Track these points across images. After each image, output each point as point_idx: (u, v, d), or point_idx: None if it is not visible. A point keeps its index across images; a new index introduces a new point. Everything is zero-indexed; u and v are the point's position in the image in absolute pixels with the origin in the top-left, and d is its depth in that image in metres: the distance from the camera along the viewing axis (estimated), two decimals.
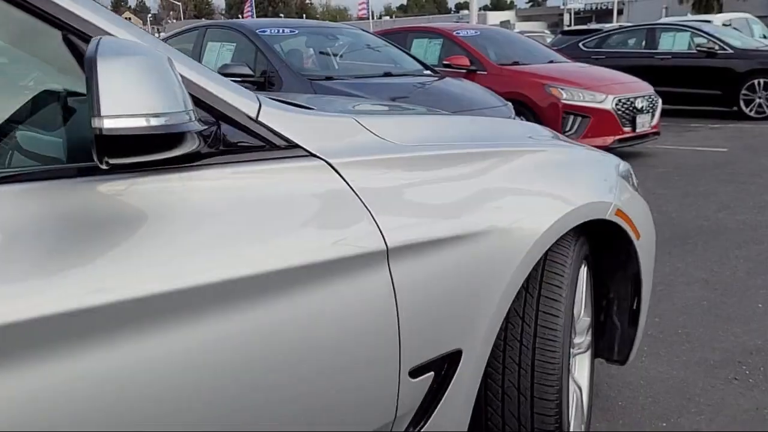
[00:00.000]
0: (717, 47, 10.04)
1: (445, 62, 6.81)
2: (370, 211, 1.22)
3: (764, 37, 14.75)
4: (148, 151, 0.86)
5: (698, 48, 10.17)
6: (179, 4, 76.47)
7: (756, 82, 9.77)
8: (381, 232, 1.21)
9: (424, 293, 1.29)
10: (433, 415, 1.40)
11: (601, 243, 1.94)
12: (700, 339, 2.67)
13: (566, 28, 16.55)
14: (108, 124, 0.79)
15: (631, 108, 6.55)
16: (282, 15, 68.60)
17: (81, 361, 0.89)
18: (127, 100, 0.81)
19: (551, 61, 7.41)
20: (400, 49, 6.09)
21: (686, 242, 3.92)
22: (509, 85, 6.47)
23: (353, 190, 1.22)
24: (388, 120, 1.51)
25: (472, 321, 1.41)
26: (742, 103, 9.90)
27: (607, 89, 6.52)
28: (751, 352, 2.55)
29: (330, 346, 1.16)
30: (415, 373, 1.31)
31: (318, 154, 1.20)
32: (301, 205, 1.16)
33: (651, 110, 6.83)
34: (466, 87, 5.39)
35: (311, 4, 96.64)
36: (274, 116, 1.17)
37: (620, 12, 43.21)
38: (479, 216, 1.41)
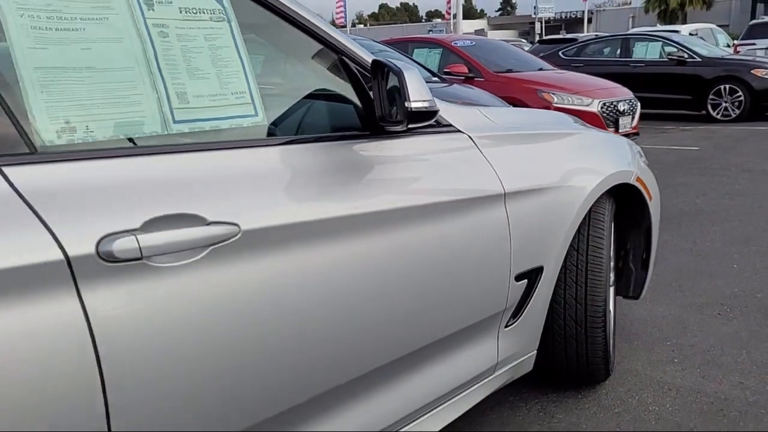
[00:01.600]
0: (686, 56, 10.91)
1: (445, 70, 7.49)
2: (494, 168, 1.87)
3: (728, 45, 15.76)
4: (420, 121, 1.51)
5: (669, 56, 11.02)
6: None
7: (722, 87, 10.65)
8: (501, 181, 1.87)
9: (524, 224, 1.94)
10: (524, 311, 2.05)
11: (620, 208, 2.60)
12: (690, 289, 3.37)
13: (544, 38, 17.37)
14: (414, 105, 1.44)
15: (614, 111, 7.29)
16: None
17: (348, 247, 1.49)
18: (417, 92, 1.46)
19: (540, 69, 8.15)
20: (410, 59, 6.76)
21: (671, 222, 4.64)
22: (505, 91, 7.15)
23: (483, 154, 1.87)
24: (491, 110, 2.16)
25: (549, 247, 2.07)
26: (709, 107, 10.77)
27: (593, 94, 7.26)
28: (730, 297, 3.25)
29: (474, 253, 1.81)
30: (517, 278, 1.96)
31: (463, 131, 1.85)
32: (455, 162, 1.81)
33: (631, 113, 7.58)
34: (473, 92, 6.07)
35: None
36: (440, 106, 1.82)
37: (589, 21, 44.54)
38: (554, 176, 2.08)
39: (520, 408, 2.35)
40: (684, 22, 38.37)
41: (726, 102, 10.65)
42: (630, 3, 47.14)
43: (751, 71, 10.53)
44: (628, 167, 2.43)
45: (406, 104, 1.44)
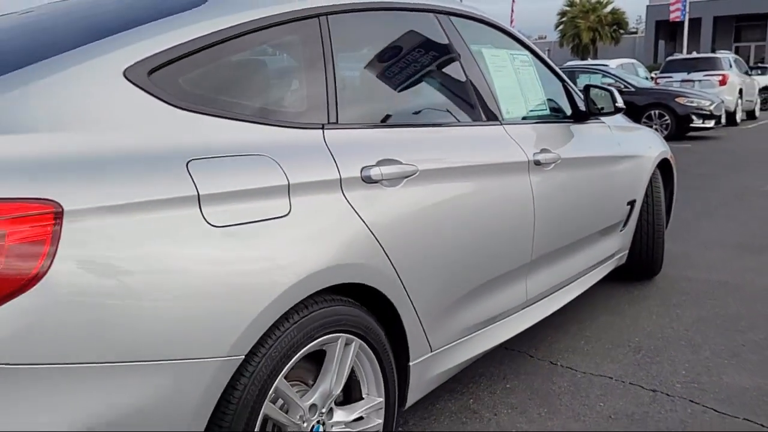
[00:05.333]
0: (622, 86, 13.04)
1: None
2: (618, 141, 3.52)
3: (646, 78, 18.22)
4: (617, 113, 3.15)
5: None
6: None
7: (652, 112, 12.84)
8: (622, 148, 3.52)
9: (630, 173, 3.60)
10: (628, 223, 3.70)
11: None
12: (681, 238, 5.14)
13: None
14: (618, 105, 3.07)
15: None
16: None
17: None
18: (619, 99, 3.08)
19: None
20: None
21: None
22: None
23: (613, 134, 3.52)
24: None
25: (637, 189, 3.72)
26: None
27: None
28: (708, 241, 5.06)
29: (615, 185, 3.44)
30: (627, 203, 3.61)
31: (604, 122, 3.49)
32: (606, 137, 3.44)
33: None
34: None
35: None
36: None
37: None
38: (640, 150, 3.75)
39: (613, 290, 3.98)
40: (595, 56, 41.83)
41: (656, 124, 12.82)
42: (546, 37, 50.68)
43: (675, 99, 12.79)
44: (666, 148, 4.14)
45: (617, 104, 3.07)
